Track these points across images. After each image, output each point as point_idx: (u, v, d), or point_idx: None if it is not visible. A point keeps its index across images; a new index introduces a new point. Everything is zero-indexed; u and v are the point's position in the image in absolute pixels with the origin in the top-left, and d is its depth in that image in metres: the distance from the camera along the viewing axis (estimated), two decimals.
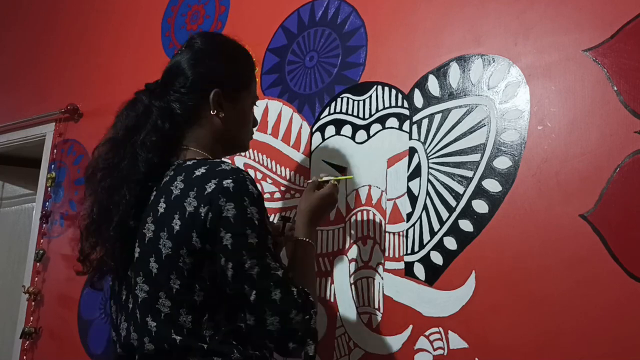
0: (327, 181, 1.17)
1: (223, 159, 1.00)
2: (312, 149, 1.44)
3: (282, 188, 1.47)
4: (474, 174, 1.17)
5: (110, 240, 0.97)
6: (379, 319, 1.24)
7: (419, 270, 1.20)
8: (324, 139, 1.43)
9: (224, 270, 0.89)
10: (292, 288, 0.91)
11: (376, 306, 1.25)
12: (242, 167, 1.55)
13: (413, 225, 1.23)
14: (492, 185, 1.14)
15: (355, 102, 1.39)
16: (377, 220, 1.29)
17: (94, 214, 1.01)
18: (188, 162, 0.98)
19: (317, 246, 1.19)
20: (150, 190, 0.99)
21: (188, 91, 1.03)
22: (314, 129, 1.45)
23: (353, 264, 1.30)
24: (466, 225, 1.16)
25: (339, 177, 1.22)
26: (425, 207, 1.22)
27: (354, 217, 1.33)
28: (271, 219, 1.38)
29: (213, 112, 1.03)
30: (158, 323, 0.91)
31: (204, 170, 0.93)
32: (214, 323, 0.91)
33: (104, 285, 1.08)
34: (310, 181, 1.18)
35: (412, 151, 1.27)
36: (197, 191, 0.91)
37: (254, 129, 1.17)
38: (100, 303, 1.83)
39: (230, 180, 0.90)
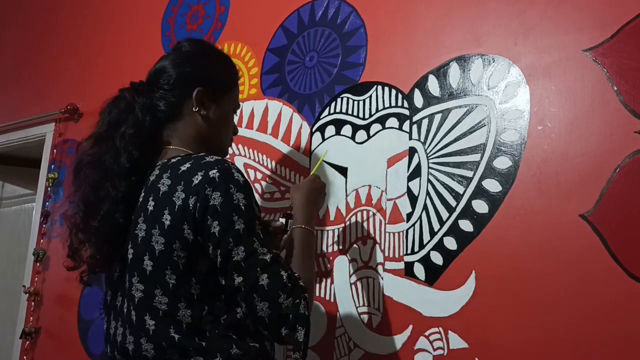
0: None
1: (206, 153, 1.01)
2: (312, 149, 1.44)
3: (282, 188, 1.47)
4: (474, 174, 1.17)
5: (97, 235, 0.97)
6: (379, 319, 1.24)
7: (419, 270, 1.20)
8: (324, 139, 1.43)
9: (214, 259, 0.90)
10: (281, 272, 0.90)
11: (376, 306, 1.25)
12: (241, 167, 1.55)
13: (413, 225, 1.23)
14: (492, 185, 1.14)
15: (355, 102, 1.39)
16: (377, 220, 1.29)
17: (80, 209, 1.00)
18: (173, 160, 0.98)
19: (315, 232, 1.14)
20: (136, 187, 0.99)
21: (171, 88, 1.05)
22: (314, 129, 1.45)
23: (353, 264, 1.30)
24: (466, 225, 1.16)
25: (317, 164, 1.28)
26: (425, 207, 1.22)
27: (354, 217, 1.33)
28: (273, 218, 1.38)
29: (195, 108, 1.05)
30: (156, 321, 0.91)
31: (189, 165, 0.94)
32: (213, 317, 0.91)
33: (93, 281, 1.08)
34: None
35: (412, 151, 1.27)
36: (184, 184, 0.92)
37: (233, 137, 1.17)
38: (100, 303, 1.83)
39: (216, 170, 0.92)
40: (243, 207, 0.91)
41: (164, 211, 0.91)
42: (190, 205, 0.90)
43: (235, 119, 1.17)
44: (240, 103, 1.32)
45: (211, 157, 0.96)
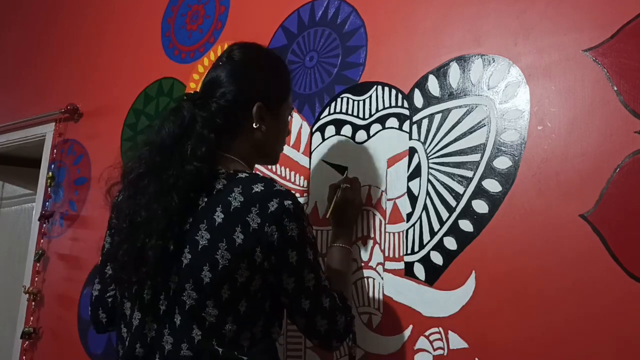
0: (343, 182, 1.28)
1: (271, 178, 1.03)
2: (312, 149, 1.44)
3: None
4: (474, 174, 1.17)
5: (153, 245, 0.93)
6: (379, 319, 1.24)
7: (419, 270, 1.20)
8: (324, 139, 1.43)
9: (283, 284, 0.96)
10: (334, 294, 1.02)
11: (376, 306, 1.25)
12: None
13: (413, 225, 1.23)
14: (492, 185, 1.14)
15: (355, 102, 1.39)
16: (377, 220, 1.29)
17: (138, 217, 0.95)
18: (240, 175, 0.98)
19: (352, 246, 1.27)
20: (193, 199, 0.95)
21: (230, 104, 1.03)
22: (314, 129, 1.45)
23: (353, 264, 1.30)
24: (466, 225, 1.16)
25: (341, 178, 1.30)
26: (425, 207, 1.22)
27: None
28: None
29: (256, 125, 1.04)
30: (203, 332, 0.91)
31: (263, 188, 0.95)
32: (251, 334, 0.95)
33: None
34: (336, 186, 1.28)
35: (412, 151, 1.27)
36: (260, 208, 0.93)
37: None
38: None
39: (290, 202, 0.95)
40: (313, 240, 1.00)
41: (235, 228, 0.92)
42: (268, 232, 0.93)
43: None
44: None
45: (280, 185, 0.98)
